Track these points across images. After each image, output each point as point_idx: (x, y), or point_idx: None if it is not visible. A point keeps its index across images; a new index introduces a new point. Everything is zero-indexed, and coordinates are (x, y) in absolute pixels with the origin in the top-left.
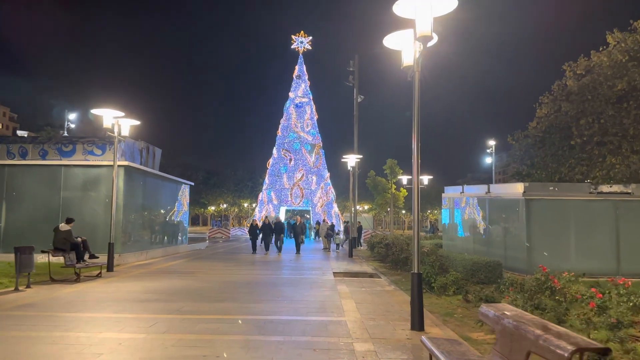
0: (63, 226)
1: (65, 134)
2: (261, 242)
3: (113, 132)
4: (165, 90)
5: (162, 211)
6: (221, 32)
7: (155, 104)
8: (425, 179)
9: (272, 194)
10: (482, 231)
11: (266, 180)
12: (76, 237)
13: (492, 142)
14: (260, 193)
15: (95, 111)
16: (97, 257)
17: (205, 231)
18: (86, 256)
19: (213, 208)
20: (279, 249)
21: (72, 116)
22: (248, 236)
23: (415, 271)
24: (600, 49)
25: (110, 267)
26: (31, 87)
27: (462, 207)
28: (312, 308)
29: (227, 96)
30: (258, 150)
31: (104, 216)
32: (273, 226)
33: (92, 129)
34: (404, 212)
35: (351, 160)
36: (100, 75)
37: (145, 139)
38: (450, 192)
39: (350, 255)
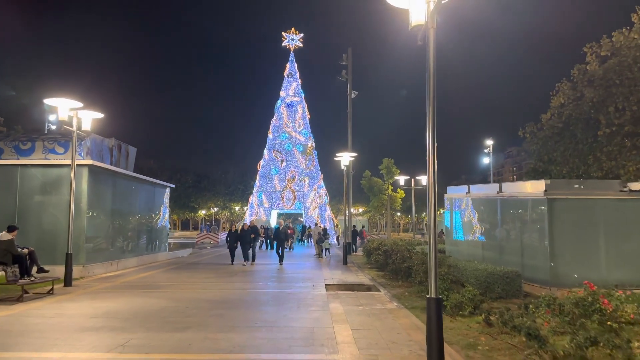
0: (3, 235)
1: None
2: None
3: (71, 126)
4: (151, 91)
5: (136, 216)
6: (209, 30)
7: (142, 105)
8: (424, 179)
9: (263, 196)
10: (492, 236)
11: (257, 182)
12: (22, 248)
13: (489, 142)
14: (251, 196)
15: (49, 101)
16: (47, 271)
17: (194, 236)
18: (34, 270)
19: (204, 212)
20: (280, 258)
21: (53, 117)
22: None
23: (433, 295)
24: (624, 29)
25: (68, 281)
26: (13, 87)
27: (468, 209)
28: (298, 338)
29: (217, 96)
30: (249, 153)
31: (66, 223)
32: (269, 232)
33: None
34: (398, 214)
35: (345, 158)
36: (86, 77)
37: (132, 141)
38: (454, 193)
39: (345, 262)
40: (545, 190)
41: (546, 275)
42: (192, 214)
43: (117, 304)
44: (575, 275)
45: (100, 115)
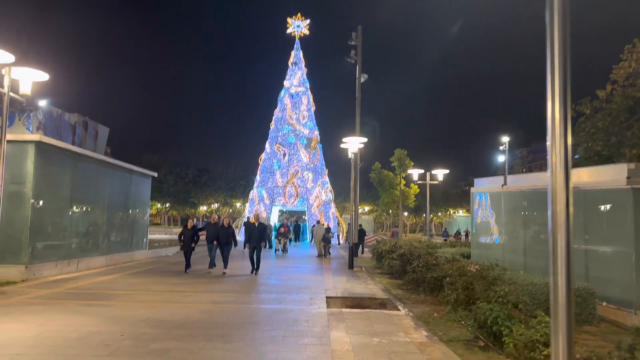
0: None
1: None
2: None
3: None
4: (150, 81)
5: (106, 207)
6: (209, 16)
7: (141, 97)
8: (440, 173)
9: (264, 192)
10: (540, 239)
11: (257, 177)
12: None
13: (505, 139)
14: (251, 191)
15: None
16: None
17: None
18: None
19: (205, 208)
20: (254, 266)
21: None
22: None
23: None
24: None
25: None
26: None
27: (503, 205)
28: None
29: (218, 88)
30: (252, 147)
31: (8, 213)
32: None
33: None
34: (406, 214)
35: (353, 144)
36: (85, 66)
37: (131, 133)
38: (484, 186)
39: (351, 266)
40: (629, 178)
41: (629, 294)
42: (193, 210)
43: (28, 326)
44: None
45: (44, 75)
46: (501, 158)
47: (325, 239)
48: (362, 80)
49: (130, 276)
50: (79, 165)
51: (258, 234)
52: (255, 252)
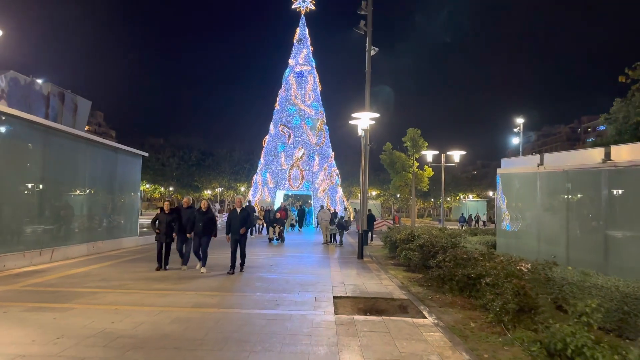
0: None
1: None
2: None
3: None
4: (153, 63)
5: (87, 190)
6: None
7: (143, 78)
8: (457, 154)
9: (268, 175)
10: (589, 228)
11: (261, 160)
12: None
13: (519, 120)
14: (255, 175)
15: None
16: None
17: None
18: None
19: (209, 192)
20: (233, 263)
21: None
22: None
23: None
24: None
25: None
26: None
27: (538, 188)
28: None
29: (223, 67)
30: (257, 130)
31: None
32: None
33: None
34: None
35: (363, 120)
36: (91, 53)
37: (135, 116)
38: (514, 167)
39: (360, 256)
40: None
41: None
42: (197, 194)
43: None
44: None
45: None
46: (515, 140)
47: (341, 225)
48: (373, 53)
49: (109, 268)
50: (52, 142)
51: (241, 223)
52: (238, 245)
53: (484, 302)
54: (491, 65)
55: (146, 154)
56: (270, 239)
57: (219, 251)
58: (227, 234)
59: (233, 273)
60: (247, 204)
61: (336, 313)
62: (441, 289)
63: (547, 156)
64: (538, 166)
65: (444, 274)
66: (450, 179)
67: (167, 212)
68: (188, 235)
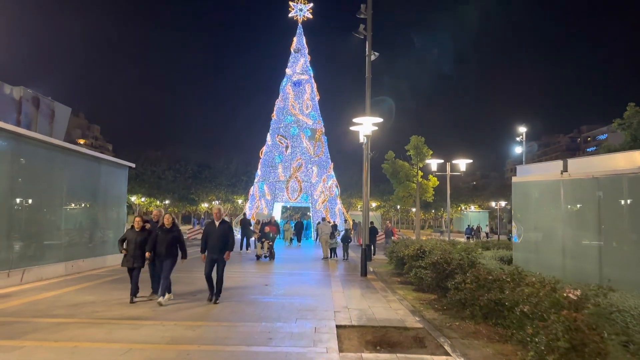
0: None
1: None
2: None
3: None
4: (148, 74)
5: (64, 203)
6: (211, 6)
7: (137, 90)
8: (462, 163)
9: (265, 187)
10: (627, 241)
11: (258, 171)
12: None
13: (522, 129)
14: (252, 186)
15: None
16: None
17: (187, 230)
18: None
19: (206, 205)
20: (212, 288)
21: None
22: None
23: None
24: None
25: None
26: None
27: (563, 197)
28: None
29: (220, 78)
30: (255, 142)
31: None
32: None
33: None
34: (413, 210)
35: (365, 126)
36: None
37: (131, 128)
38: (532, 175)
39: (364, 273)
40: None
41: None
42: (194, 207)
43: None
44: None
45: None
46: (518, 149)
47: (345, 238)
48: (373, 58)
49: (84, 290)
50: (23, 151)
51: (220, 239)
52: (214, 266)
53: (521, 336)
54: (490, 75)
55: (133, 165)
56: (258, 256)
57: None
58: (203, 252)
59: (212, 299)
60: (243, 216)
61: (341, 350)
62: (460, 314)
63: (572, 162)
64: (562, 173)
65: (466, 297)
66: (452, 189)
67: (138, 229)
68: (147, 255)
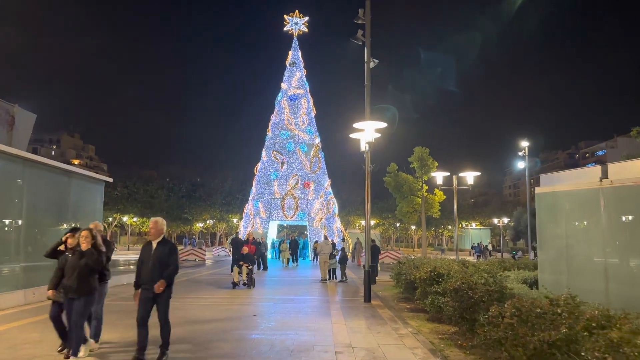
0: None
1: None
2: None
3: None
4: (142, 89)
5: (24, 222)
6: (204, 14)
7: (132, 107)
8: (470, 175)
9: (260, 205)
10: None
11: (253, 188)
12: None
13: (524, 144)
14: (247, 204)
15: None
16: None
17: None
18: None
19: (201, 225)
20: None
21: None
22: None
23: None
24: None
25: None
26: None
27: (605, 209)
28: None
29: (213, 95)
30: (250, 159)
31: None
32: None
33: None
34: (413, 227)
35: (367, 132)
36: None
37: (124, 147)
38: (564, 185)
39: (368, 299)
40: None
41: None
42: (188, 227)
43: None
44: None
45: None
46: (521, 165)
47: (342, 258)
48: (372, 65)
49: (34, 326)
50: None
51: (156, 268)
52: (151, 307)
53: None
54: (485, 91)
55: (110, 179)
56: (234, 284)
57: (193, 295)
58: (136, 287)
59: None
60: (235, 235)
61: None
62: (494, 354)
63: (612, 167)
64: (601, 180)
65: (506, 336)
66: (453, 206)
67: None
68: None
